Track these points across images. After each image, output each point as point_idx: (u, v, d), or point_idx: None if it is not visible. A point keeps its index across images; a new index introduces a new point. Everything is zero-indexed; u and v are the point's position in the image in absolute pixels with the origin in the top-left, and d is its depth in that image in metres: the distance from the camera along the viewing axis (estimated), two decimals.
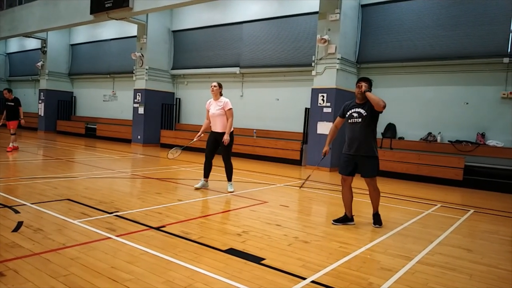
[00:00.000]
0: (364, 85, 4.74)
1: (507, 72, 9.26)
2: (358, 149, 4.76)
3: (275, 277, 3.08)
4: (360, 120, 4.76)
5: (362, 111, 4.77)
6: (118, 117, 18.16)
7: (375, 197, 4.91)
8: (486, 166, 9.04)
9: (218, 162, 6.95)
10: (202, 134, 6.84)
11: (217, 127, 6.60)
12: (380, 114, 4.79)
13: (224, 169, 6.73)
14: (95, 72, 19.22)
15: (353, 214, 4.98)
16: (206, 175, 6.75)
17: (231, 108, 6.57)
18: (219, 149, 6.69)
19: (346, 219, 4.93)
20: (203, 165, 6.79)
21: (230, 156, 6.72)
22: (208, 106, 6.74)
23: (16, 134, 11.16)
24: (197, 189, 6.67)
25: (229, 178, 6.74)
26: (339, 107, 10.61)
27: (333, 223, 4.90)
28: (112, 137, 17.17)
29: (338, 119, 5.12)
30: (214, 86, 6.62)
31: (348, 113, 4.89)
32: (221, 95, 6.72)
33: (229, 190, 6.65)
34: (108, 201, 5.41)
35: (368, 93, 4.68)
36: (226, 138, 6.46)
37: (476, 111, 9.66)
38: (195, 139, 6.87)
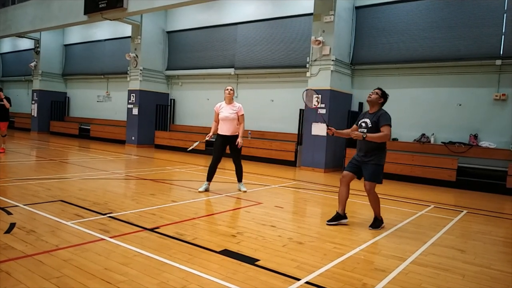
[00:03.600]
0: (357, 133, 4.79)
1: (500, 74, 9.34)
2: (363, 156, 4.89)
3: (270, 278, 3.08)
4: (365, 130, 4.88)
5: (368, 121, 4.90)
6: (112, 118, 18.06)
7: (371, 202, 4.93)
8: (479, 167, 9.12)
9: (209, 163, 6.94)
10: (213, 136, 6.91)
11: (228, 131, 6.71)
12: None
13: (234, 172, 7.01)
14: (89, 72, 19.12)
15: (345, 212, 5.02)
16: (210, 178, 6.80)
17: (243, 114, 6.82)
18: (230, 152, 6.88)
19: (339, 217, 4.99)
20: (208, 168, 6.83)
21: (241, 158, 6.99)
22: (218, 109, 6.81)
23: (7, 136, 10.82)
24: (201, 192, 6.65)
25: (240, 179, 7.00)
26: (334, 108, 10.77)
27: (327, 224, 4.93)
28: (106, 138, 17.08)
29: (354, 126, 5.23)
30: (231, 90, 6.81)
31: (359, 122, 5.06)
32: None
33: (243, 189, 6.91)
34: (102, 202, 5.38)
35: (369, 136, 4.72)
36: (240, 141, 6.71)
37: (469, 113, 9.73)
38: (207, 138, 6.89)
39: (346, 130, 5.28)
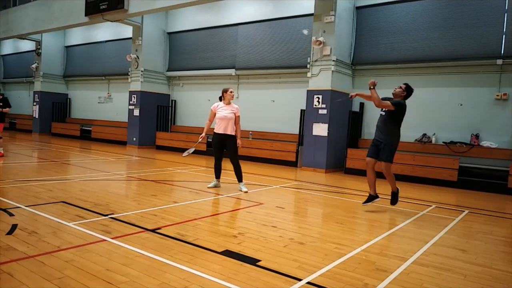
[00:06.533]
0: (371, 81, 5.57)
1: (501, 74, 9.33)
2: (378, 136, 5.75)
3: (271, 279, 3.08)
4: (383, 113, 5.76)
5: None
6: (113, 119, 18.08)
7: (388, 180, 5.82)
8: (480, 167, 9.10)
9: (210, 164, 6.95)
10: (204, 135, 7.17)
11: (225, 130, 6.91)
12: (400, 113, 5.62)
13: (233, 172, 7.12)
14: (90, 74, 19.15)
15: (377, 192, 5.88)
16: (218, 176, 7.16)
17: (239, 115, 7.10)
18: (227, 152, 7.04)
19: (371, 198, 5.85)
20: (213, 167, 7.20)
21: (238, 158, 7.10)
22: (216, 108, 7.00)
23: (2, 138, 10.37)
24: (210, 188, 7.06)
25: (240, 179, 7.08)
26: (335, 108, 10.77)
27: (363, 204, 5.92)
28: (107, 139, 17.11)
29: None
30: (233, 92, 7.14)
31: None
32: None
33: (244, 190, 6.94)
34: (103, 203, 5.39)
35: (371, 90, 5.52)
36: (240, 142, 7.04)
37: (470, 113, 9.72)
38: (200, 140, 7.18)
39: (364, 92, 6.15)
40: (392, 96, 5.87)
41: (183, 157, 7.61)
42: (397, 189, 5.96)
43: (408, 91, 5.73)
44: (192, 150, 7.20)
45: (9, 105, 10.55)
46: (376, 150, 5.77)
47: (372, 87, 5.52)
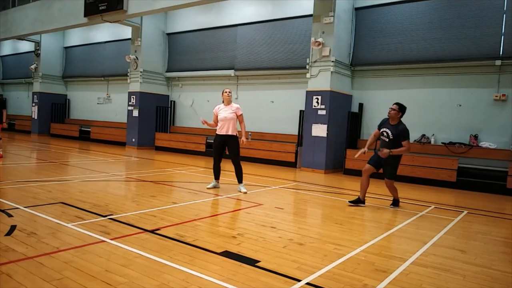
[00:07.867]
0: (386, 151, 5.72)
1: (499, 74, 9.35)
2: (383, 159, 5.89)
3: (270, 279, 3.08)
4: (387, 140, 5.86)
5: (390, 133, 5.81)
6: (113, 120, 18.08)
7: (391, 192, 6.18)
8: (479, 168, 9.12)
9: (209, 165, 6.95)
10: (208, 125, 7.10)
11: (226, 130, 6.91)
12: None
13: (234, 172, 7.14)
14: (89, 74, 19.14)
15: (365, 199, 6.16)
16: (217, 177, 7.19)
17: (242, 113, 7.06)
18: (228, 153, 7.06)
19: (358, 201, 6.11)
20: (212, 168, 7.22)
21: (239, 159, 7.11)
22: (217, 111, 7.04)
23: (2, 139, 10.19)
24: (209, 189, 7.08)
25: (240, 180, 7.11)
26: (334, 109, 10.80)
27: (348, 202, 6.20)
28: (106, 140, 17.10)
29: (376, 130, 6.17)
30: (230, 92, 7.08)
31: (381, 129, 5.99)
32: None
33: (243, 190, 6.95)
34: (102, 204, 5.39)
35: (393, 151, 5.70)
36: (245, 140, 7.00)
37: (469, 113, 9.73)
38: (202, 120, 7.04)
39: (370, 140, 6.19)
40: (387, 117, 5.99)
41: (187, 106, 7.61)
42: (399, 198, 6.32)
43: (402, 111, 5.88)
44: (191, 102, 7.26)
45: (3, 106, 10.41)
46: (378, 161, 5.99)
47: (390, 152, 5.73)
